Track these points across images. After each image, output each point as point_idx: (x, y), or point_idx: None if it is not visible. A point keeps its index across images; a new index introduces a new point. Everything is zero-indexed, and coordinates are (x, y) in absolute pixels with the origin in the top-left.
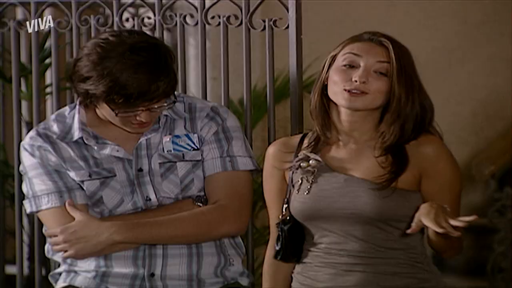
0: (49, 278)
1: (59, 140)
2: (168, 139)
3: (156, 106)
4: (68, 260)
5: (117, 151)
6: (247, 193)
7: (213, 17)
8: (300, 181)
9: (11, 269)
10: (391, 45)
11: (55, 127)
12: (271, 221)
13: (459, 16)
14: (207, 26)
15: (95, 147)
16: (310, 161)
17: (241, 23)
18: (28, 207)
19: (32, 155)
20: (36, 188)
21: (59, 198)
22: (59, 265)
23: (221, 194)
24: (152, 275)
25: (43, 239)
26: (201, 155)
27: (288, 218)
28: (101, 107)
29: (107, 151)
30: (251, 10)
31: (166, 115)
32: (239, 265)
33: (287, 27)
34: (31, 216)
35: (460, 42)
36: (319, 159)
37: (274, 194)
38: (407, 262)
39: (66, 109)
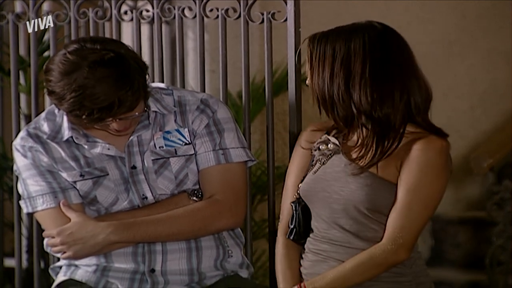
0: (50, 271)
1: (49, 140)
2: (159, 135)
3: (125, 116)
4: None
5: (108, 149)
6: (241, 185)
7: (211, 10)
8: (315, 163)
9: (9, 262)
10: (308, 43)
11: (45, 127)
12: (289, 199)
13: (457, 10)
14: (205, 19)
15: (86, 146)
16: (329, 145)
17: (240, 16)
18: (24, 207)
19: (24, 156)
20: (31, 189)
21: (54, 199)
22: (58, 259)
23: (215, 188)
24: (153, 270)
25: (41, 232)
26: (194, 148)
27: (300, 197)
28: None
29: (98, 149)
30: (249, 3)
31: (155, 111)
32: (239, 256)
33: (286, 20)
34: None
35: (459, 36)
36: (337, 142)
37: (295, 172)
38: None
39: (55, 107)
